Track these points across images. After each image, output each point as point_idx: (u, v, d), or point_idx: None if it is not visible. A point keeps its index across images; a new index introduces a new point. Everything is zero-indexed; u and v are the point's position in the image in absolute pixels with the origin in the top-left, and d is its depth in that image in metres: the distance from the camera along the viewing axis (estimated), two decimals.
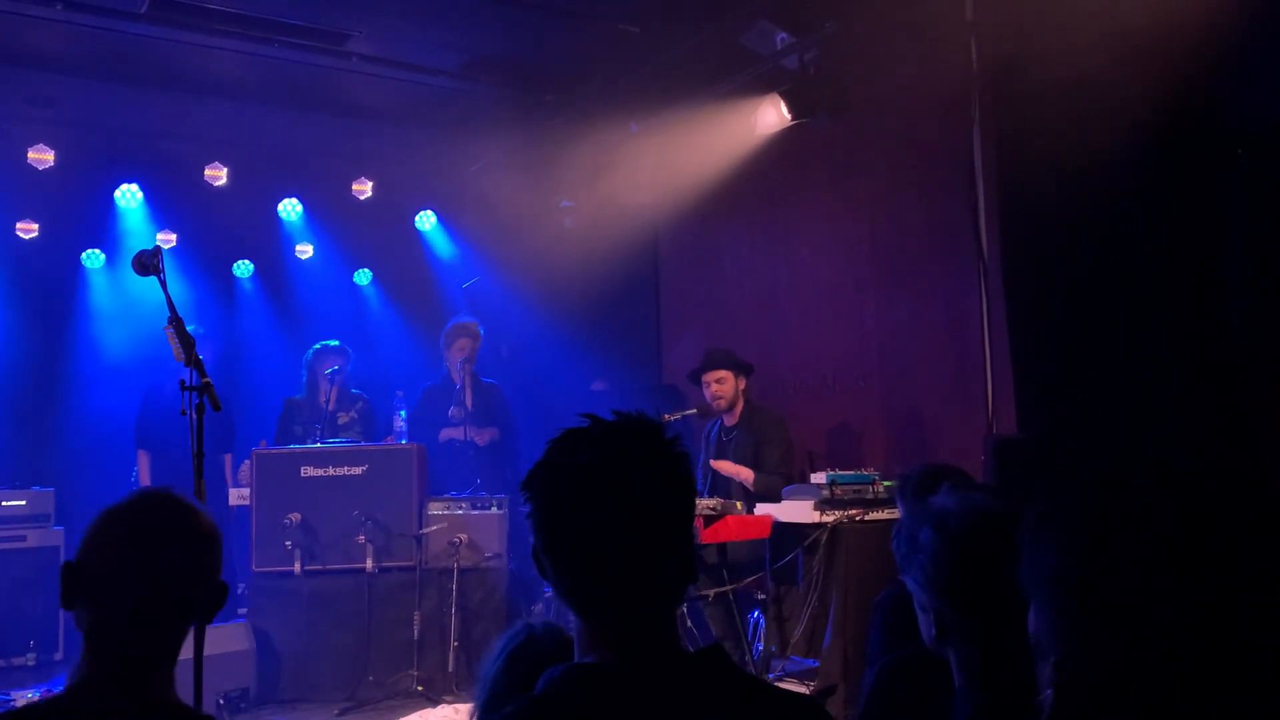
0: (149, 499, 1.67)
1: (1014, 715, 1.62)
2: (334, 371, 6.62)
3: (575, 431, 1.39)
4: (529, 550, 1.42)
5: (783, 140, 6.13)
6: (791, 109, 5.87)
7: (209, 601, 1.67)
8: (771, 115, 5.97)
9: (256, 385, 7.33)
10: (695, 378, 5.78)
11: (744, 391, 5.72)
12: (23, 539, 6.65)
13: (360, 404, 6.77)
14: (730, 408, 5.72)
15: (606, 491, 1.33)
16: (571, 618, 1.40)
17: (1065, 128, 4.73)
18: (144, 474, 6.83)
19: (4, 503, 6.66)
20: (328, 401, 6.68)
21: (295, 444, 6.34)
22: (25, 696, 5.19)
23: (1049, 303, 4.99)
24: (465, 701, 5.37)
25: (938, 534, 1.70)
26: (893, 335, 5.94)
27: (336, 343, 6.82)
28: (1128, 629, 0.91)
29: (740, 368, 5.69)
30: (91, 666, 1.59)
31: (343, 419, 6.65)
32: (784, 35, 5.83)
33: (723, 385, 5.67)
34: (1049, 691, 0.96)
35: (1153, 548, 0.91)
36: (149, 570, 1.60)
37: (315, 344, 6.84)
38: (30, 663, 6.41)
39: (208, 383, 3.24)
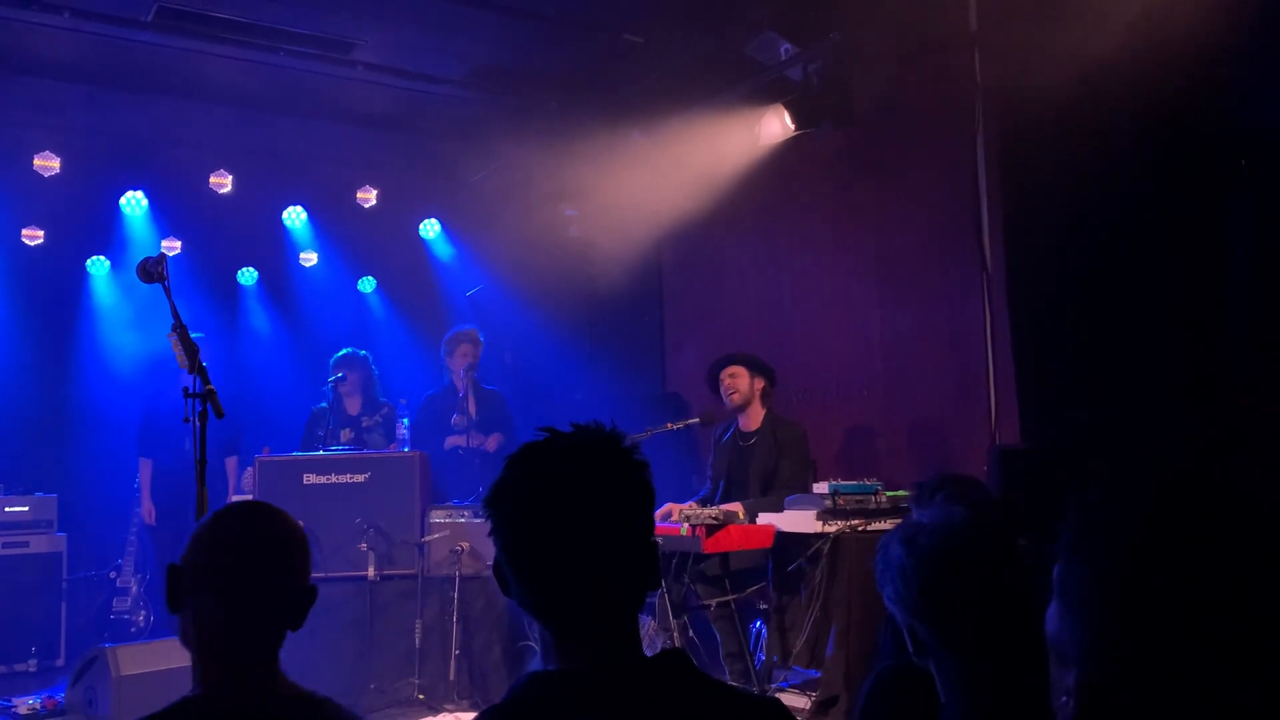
0: (245, 509, 1.84)
1: None
2: (339, 379, 6.64)
3: (533, 445, 1.42)
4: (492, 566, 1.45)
5: (786, 150, 6.14)
6: (795, 119, 5.89)
7: (301, 603, 1.81)
8: (775, 125, 5.98)
9: (260, 392, 7.34)
10: (712, 377, 5.74)
11: (762, 394, 5.65)
12: (25, 545, 6.65)
13: (385, 409, 6.79)
14: (744, 407, 5.64)
15: (564, 502, 1.36)
16: (535, 627, 1.42)
17: (1069, 138, 4.74)
18: (146, 481, 6.83)
19: (7, 509, 6.67)
20: (349, 407, 6.71)
21: (315, 450, 6.36)
22: (27, 703, 5.19)
23: (1052, 313, 4.99)
24: (466, 710, 5.36)
25: (906, 551, 1.68)
26: (896, 345, 5.94)
27: (349, 351, 6.83)
28: (1162, 643, 0.91)
29: (756, 367, 5.64)
30: (209, 667, 1.74)
31: (366, 423, 6.69)
32: (788, 46, 5.85)
33: (735, 380, 5.60)
34: (1066, 699, 0.96)
35: (1195, 564, 0.92)
36: (253, 575, 1.75)
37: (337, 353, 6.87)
38: (32, 669, 6.42)
39: (211, 389, 3.25)
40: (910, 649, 1.72)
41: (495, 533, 1.40)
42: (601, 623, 1.37)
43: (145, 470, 6.85)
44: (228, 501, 1.88)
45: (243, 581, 1.75)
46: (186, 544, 1.78)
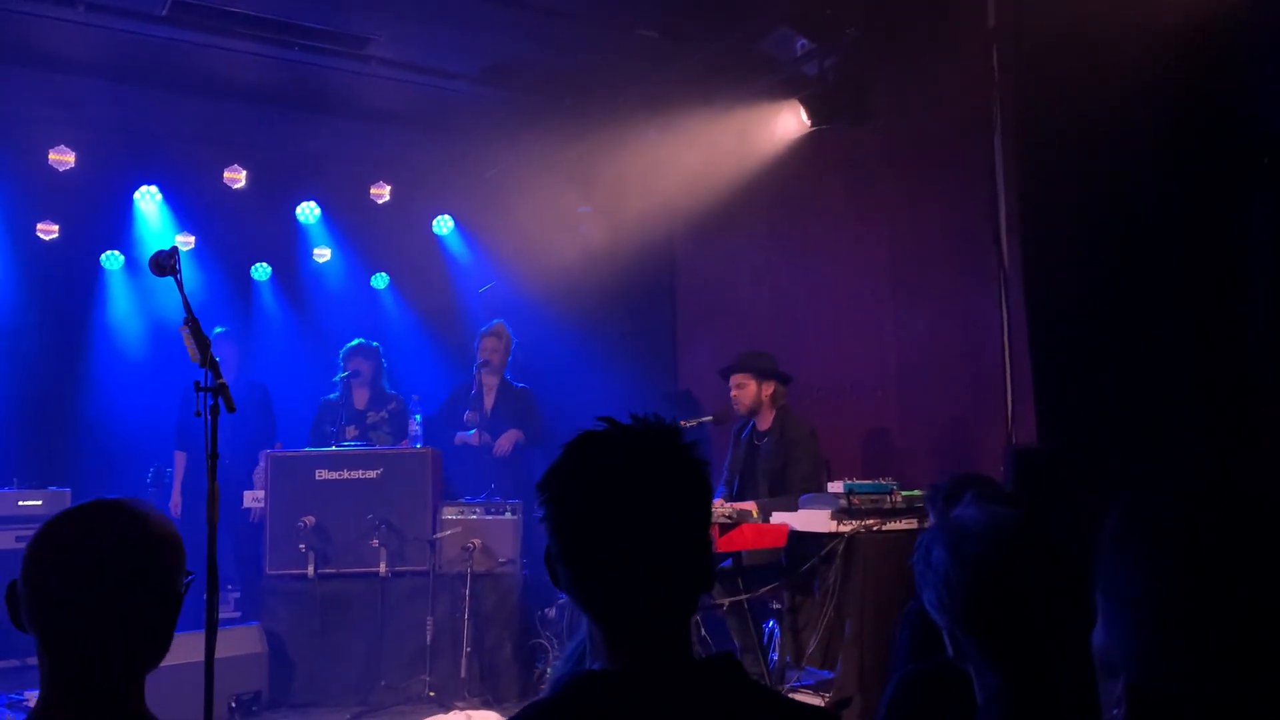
0: (88, 511, 1.59)
1: None
2: (351, 373, 6.62)
3: (592, 434, 1.38)
4: (543, 555, 1.41)
5: (802, 147, 6.11)
6: (811, 116, 5.85)
7: (162, 613, 1.58)
8: (791, 122, 5.95)
9: (274, 388, 7.33)
10: (725, 377, 5.73)
11: (772, 397, 5.60)
12: None
13: (394, 404, 6.76)
14: (753, 413, 5.63)
15: (623, 496, 1.32)
16: (585, 623, 1.38)
17: (1088, 136, 4.69)
18: (179, 473, 6.84)
19: (20, 502, 6.67)
20: (357, 400, 6.69)
21: (325, 444, 6.36)
22: (38, 695, 5.19)
23: (1070, 312, 4.94)
24: (477, 708, 5.35)
25: (953, 557, 1.62)
26: (912, 344, 5.90)
27: (360, 341, 6.81)
28: (1213, 650, 0.88)
29: (763, 373, 5.61)
30: (53, 689, 1.54)
31: (372, 418, 6.66)
32: (804, 42, 5.82)
33: (741, 390, 5.60)
34: (1117, 710, 0.93)
35: (1240, 569, 0.89)
36: (91, 584, 1.51)
37: (347, 343, 6.85)
38: None
39: (223, 384, 3.24)
40: (950, 651, 1.68)
41: (547, 520, 1.36)
42: (654, 621, 1.33)
43: (180, 462, 6.87)
44: (84, 505, 1.65)
45: (70, 602, 1.51)
46: (23, 556, 1.55)
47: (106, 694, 1.53)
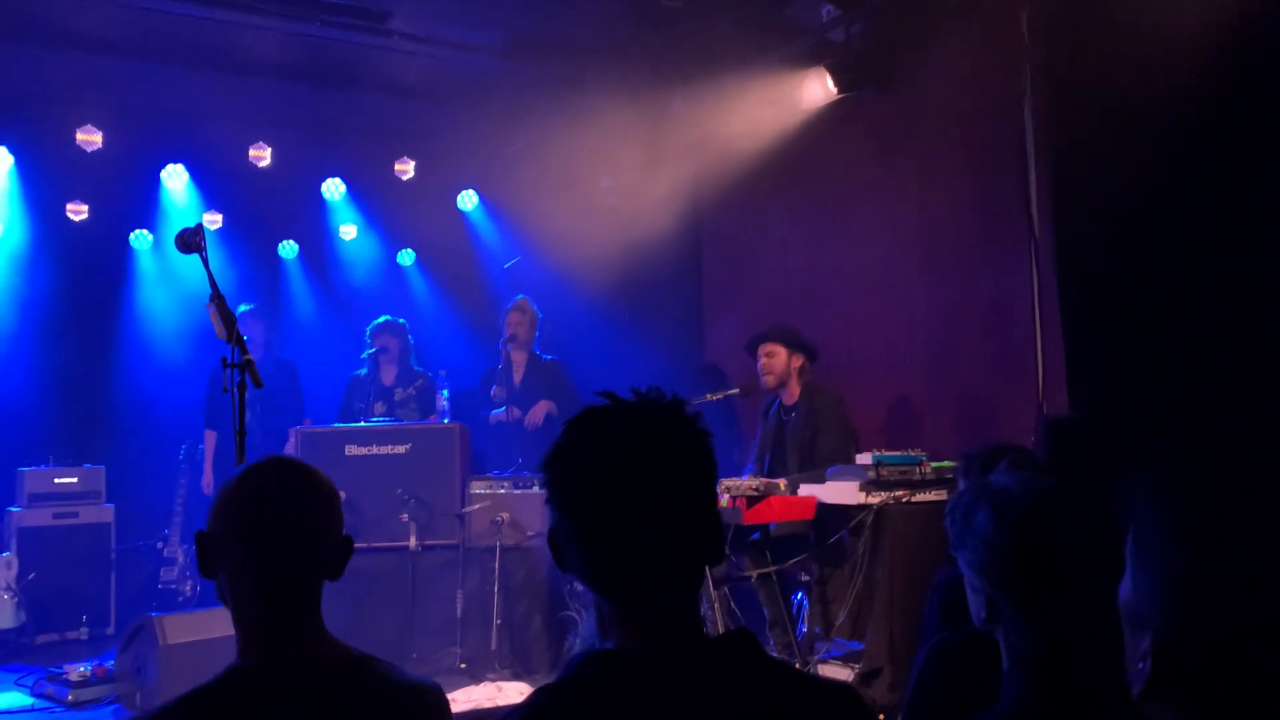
0: (267, 466, 1.75)
1: (1064, 702, 1.57)
2: (379, 350, 6.63)
3: (594, 410, 1.36)
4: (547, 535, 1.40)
5: (828, 115, 6.04)
6: (837, 83, 5.78)
7: (337, 556, 1.77)
8: (817, 89, 5.89)
9: (302, 365, 7.38)
10: (751, 348, 5.70)
11: (799, 370, 5.58)
12: (75, 515, 6.77)
13: (420, 380, 6.78)
14: (781, 384, 5.59)
15: (626, 472, 1.30)
16: (592, 600, 1.37)
17: (1119, 103, 4.61)
18: (209, 451, 6.90)
19: (56, 480, 6.78)
20: (385, 377, 6.72)
21: (354, 420, 6.40)
22: (78, 669, 5.28)
23: (1101, 281, 4.87)
24: (508, 679, 5.39)
25: (996, 517, 1.63)
26: (942, 314, 5.84)
27: (387, 318, 6.82)
28: (1243, 603, 0.87)
29: (794, 344, 5.57)
30: (247, 632, 1.70)
31: (399, 395, 6.69)
32: (830, 8, 5.76)
33: (771, 359, 5.56)
34: (1141, 664, 0.92)
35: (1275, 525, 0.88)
36: (279, 531, 1.69)
37: (374, 320, 6.87)
38: (83, 636, 6.55)
39: (249, 360, 3.25)
40: (980, 615, 1.68)
41: (551, 500, 1.34)
42: (661, 596, 1.31)
43: (210, 441, 6.92)
44: (259, 461, 1.76)
45: (272, 542, 1.69)
46: (211, 508, 1.72)
47: (305, 621, 1.73)
